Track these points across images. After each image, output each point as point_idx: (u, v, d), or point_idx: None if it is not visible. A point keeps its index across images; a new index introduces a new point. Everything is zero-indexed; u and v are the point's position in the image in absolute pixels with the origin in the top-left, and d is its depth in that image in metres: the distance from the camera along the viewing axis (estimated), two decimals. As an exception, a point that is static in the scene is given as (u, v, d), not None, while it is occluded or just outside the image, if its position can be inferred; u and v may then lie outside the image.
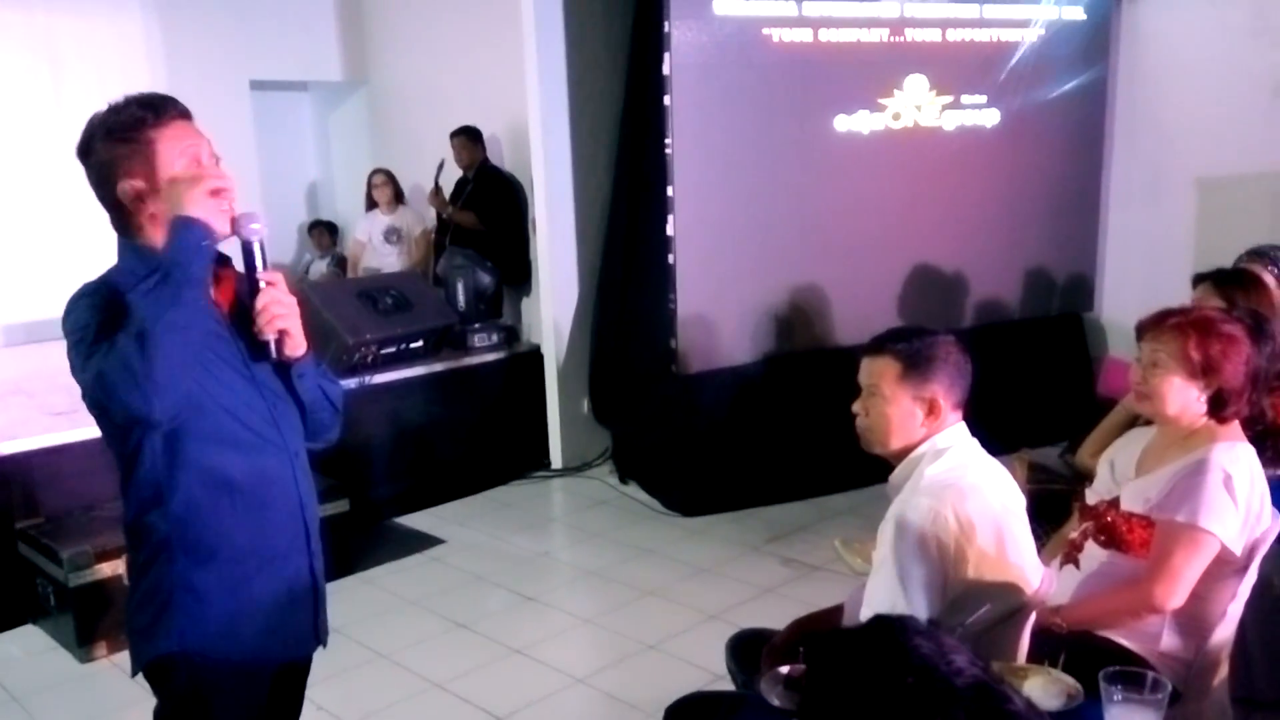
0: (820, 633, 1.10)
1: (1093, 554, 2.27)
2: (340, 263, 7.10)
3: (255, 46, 6.57)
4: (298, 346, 1.78)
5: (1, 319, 5.76)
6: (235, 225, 1.70)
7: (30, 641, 3.83)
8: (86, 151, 1.69)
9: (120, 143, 1.66)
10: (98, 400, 1.59)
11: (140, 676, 1.80)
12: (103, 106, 1.69)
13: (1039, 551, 2.20)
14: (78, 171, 1.72)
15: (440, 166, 6.03)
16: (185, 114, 1.72)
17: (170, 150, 1.67)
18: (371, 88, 7.20)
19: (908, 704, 0.91)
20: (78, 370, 1.61)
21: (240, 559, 1.75)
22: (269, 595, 1.80)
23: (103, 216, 1.74)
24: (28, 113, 5.92)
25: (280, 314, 1.73)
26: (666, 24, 4.41)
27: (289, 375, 1.82)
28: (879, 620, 1.03)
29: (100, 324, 1.60)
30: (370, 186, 6.66)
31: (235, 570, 1.75)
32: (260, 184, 6.52)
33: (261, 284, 1.73)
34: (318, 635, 1.94)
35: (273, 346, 1.75)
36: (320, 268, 7.20)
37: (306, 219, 7.66)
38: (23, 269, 5.79)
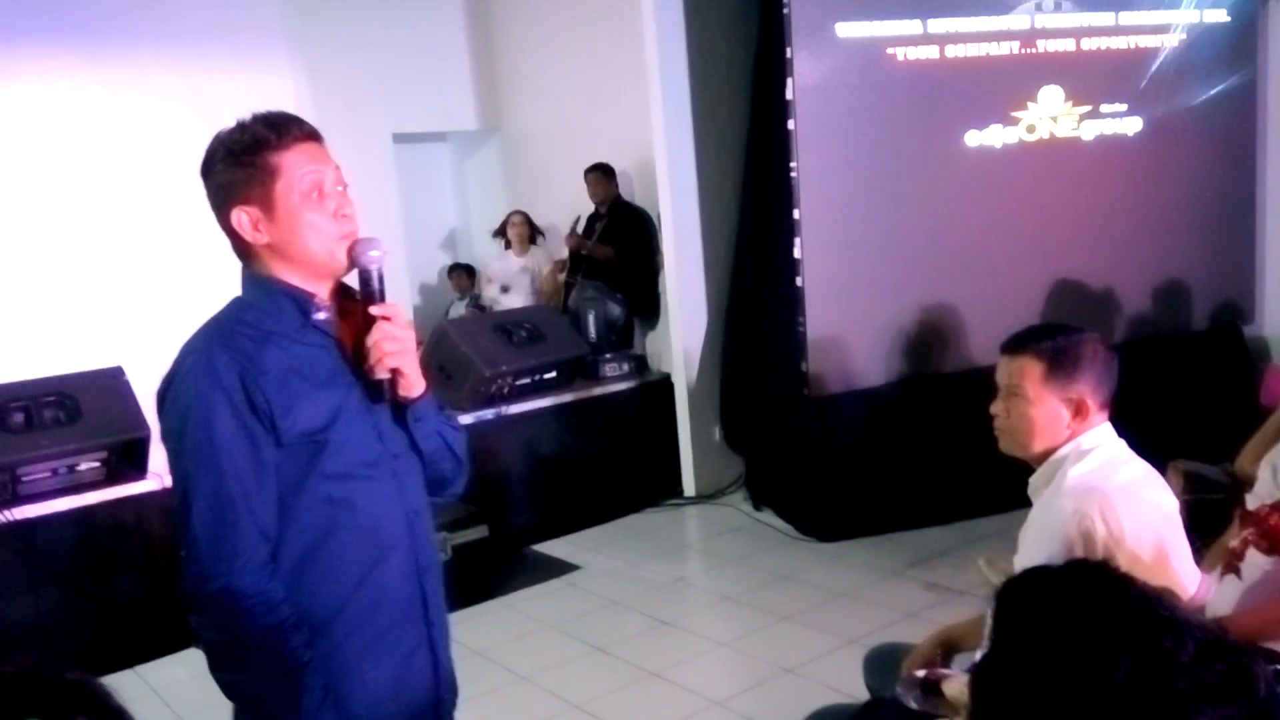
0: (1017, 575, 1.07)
1: (1255, 562, 2.11)
2: (478, 303, 7.34)
3: (397, 101, 6.88)
4: (412, 386, 1.59)
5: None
6: (352, 252, 1.55)
7: (193, 664, 4.01)
8: (207, 170, 1.55)
9: (238, 166, 1.51)
10: (177, 529, 1.51)
11: None
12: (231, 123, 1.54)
13: (1198, 564, 2.08)
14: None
15: (577, 221, 6.24)
16: (312, 135, 1.54)
17: (290, 176, 1.50)
18: (505, 134, 7.46)
19: (1128, 629, 0.87)
20: (173, 480, 1.53)
21: (347, 634, 1.56)
22: (381, 677, 1.59)
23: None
24: (190, 167, 6.34)
25: (392, 350, 1.54)
26: (789, 50, 4.43)
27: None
28: (1081, 561, 1.00)
29: (202, 436, 1.48)
30: (506, 225, 6.90)
31: (342, 646, 1.56)
32: (403, 232, 6.79)
33: (375, 317, 1.55)
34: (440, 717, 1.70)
35: (386, 387, 1.58)
36: (460, 309, 7.44)
37: (446, 264, 7.96)
38: (171, 319, 6.14)
